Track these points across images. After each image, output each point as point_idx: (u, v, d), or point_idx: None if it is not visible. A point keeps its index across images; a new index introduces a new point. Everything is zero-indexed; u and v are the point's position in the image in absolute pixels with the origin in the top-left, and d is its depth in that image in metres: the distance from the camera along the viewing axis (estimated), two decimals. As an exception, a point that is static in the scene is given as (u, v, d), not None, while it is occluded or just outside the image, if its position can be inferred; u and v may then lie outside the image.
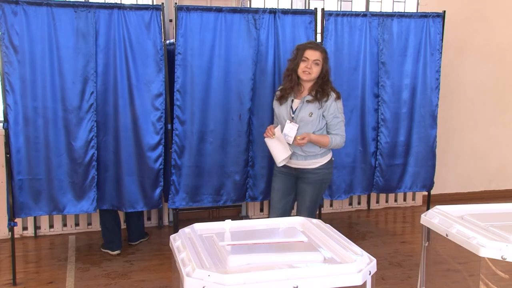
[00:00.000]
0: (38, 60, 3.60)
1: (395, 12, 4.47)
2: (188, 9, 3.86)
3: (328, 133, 3.38)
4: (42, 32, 3.58)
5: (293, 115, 3.35)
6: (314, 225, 1.80)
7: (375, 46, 4.32)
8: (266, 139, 3.34)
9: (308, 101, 3.31)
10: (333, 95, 3.35)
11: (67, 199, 3.77)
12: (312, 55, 3.29)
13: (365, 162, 4.45)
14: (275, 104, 3.48)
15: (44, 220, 4.57)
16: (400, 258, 4.10)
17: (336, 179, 4.33)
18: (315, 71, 3.29)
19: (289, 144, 3.33)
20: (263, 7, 4.55)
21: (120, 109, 3.83)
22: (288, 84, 3.37)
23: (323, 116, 3.33)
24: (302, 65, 3.30)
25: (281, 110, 3.41)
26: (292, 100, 3.39)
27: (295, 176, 3.44)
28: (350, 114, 4.31)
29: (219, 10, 3.91)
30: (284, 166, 3.40)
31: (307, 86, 3.37)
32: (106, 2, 4.25)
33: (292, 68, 3.35)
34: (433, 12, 4.44)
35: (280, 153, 3.30)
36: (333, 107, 3.33)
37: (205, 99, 3.96)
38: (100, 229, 4.47)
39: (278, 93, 3.47)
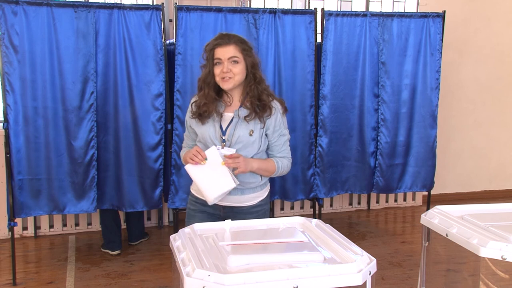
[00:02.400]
0: (38, 60, 3.60)
1: (395, 12, 4.47)
2: (188, 9, 3.86)
3: (269, 156, 2.49)
4: (42, 32, 3.58)
5: (223, 137, 2.38)
6: (314, 225, 1.80)
7: (375, 46, 4.32)
8: (190, 167, 2.33)
9: (246, 117, 2.38)
10: (277, 107, 2.43)
11: (67, 199, 3.77)
12: (223, 53, 2.34)
13: (363, 161, 4.45)
14: (192, 122, 2.46)
15: (44, 220, 4.57)
16: (400, 258, 4.10)
17: (330, 176, 4.33)
18: (237, 71, 2.35)
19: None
20: (263, 7, 4.55)
21: (120, 109, 3.83)
22: (203, 101, 2.39)
23: (265, 135, 2.42)
24: (217, 71, 2.36)
25: (204, 130, 2.40)
26: (221, 115, 2.41)
27: (223, 217, 2.33)
28: (349, 113, 4.32)
29: (219, 10, 3.91)
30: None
31: (235, 93, 2.43)
32: (106, 2, 4.25)
33: (204, 79, 2.39)
34: (433, 12, 4.44)
35: (217, 185, 2.29)
36: (279, 122, 2.42)
37: (205, 99, 3.95)
38: (100, 229, 4.48)
39: (194, 108, 2.44)
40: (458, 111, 5.55)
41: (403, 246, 4.40)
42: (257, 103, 2.37)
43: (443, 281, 2.18)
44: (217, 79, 2.36)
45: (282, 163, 2.47)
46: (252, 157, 2.38)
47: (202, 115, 2.40)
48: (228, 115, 2.41)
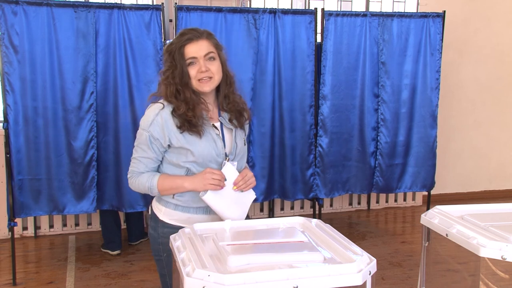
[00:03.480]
0: (38, 60, 3.60)
1: (395, 12, 4.47)
2: (188, 9, 3.86)
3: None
4: (42, 32, 3.58)
5: (225, 151, 2.02)
6: (314, 225, 1.80)
7: (375, 46, 4.32)
8: (211, 196, 1.94)
9: (231, 120, 2.06)
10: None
11: (67, 199, 3.77)
12: (197, 49, 1.97)
13: (364, 161, 4.45)
14: (176, 136, 1.96)
15: (44, 220, 4.57)
16: (400, 258, 4.10)
17: (331, 177, 4.33)
18: (215, 69, 1.99)
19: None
20: (263, 7, 4.55)
21: (120, 109, 3.83)
22: (187, 106, 1.94)
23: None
24: (192, 72, 1.96)
25: (203, 145, 1.97)
26: (213, 125, 2.03)
27: None
28: (349, 113, 4.32)
29: (219, 10, 3.91)
30: None
31: (210, 98, 2.05)
32: (106, 2, 4.25)
33: (181, 82, 1.95)
34: (433, 12, 4.44)
35: (240, 203, 2.03)
36: (247, 125, 2.15)
37: (205, 99, 3.95)
38: (100, 229, 4.48)
39: (178, 119, 1.95)
40: (458, 111, 5.55)
41: (403, 246, 4.40)
42: (238, 108, 2.06)
43: (443, 281, 2.18)
44: (193, 82, 1.96)
45: None
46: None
47: (191, 124, 1.94)
48: (217, 125, 2.04)
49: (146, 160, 2.00)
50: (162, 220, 2.05)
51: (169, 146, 1.98)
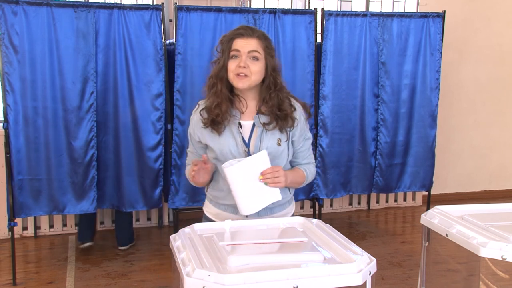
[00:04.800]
0: (38, 60, 3.60)
1: (395, 12, 4.47)
2: (188, 9, 3.86)
3: (293, 164, 2.17)
4: (42, 32, 3.58)
5: (247, 149, 2.02)
6: (314, 225, 1.80)
7: (375, 46, 4.32)
8: (232, 171, 1.92)
9: (266, 124, 2.02)
10: (300, 111, 2.11)
11: (67, 199, 3.77)
12: (244, 45, 1.98)
13: (365, 162, 4.45)
14: (203, 134, 2.05)
15: (44, 220, 4.57)
16: (400, 258, 4.10)
17: (332, 177, 4.33)
18: (255, 70, 1.98)
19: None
20: (263, 7, 4.55)
21: (120, 109, 3.83)
22: (215, 100, 2.00)
23: (291, 142, 2.11)
24: (232, 65, 1.98)
25: (222, 143, 2.01)
26: (239, 124, 2.04)
27: None
28: (349, 113, 4.32)
29: (219, 10, 3.91)
30: None
31: (250, 97, 2.06)
32: (106, 2, 4.25)
33: (217, 74, 2.01)
34: (433, 12, 4.44)
35: (260, 196, 1.95)
36: (303, 126, 2.11)
37: (205, 99, 3.95)
38: (100, 229, 4.49)
39: (202, 115, 2.05)
40: (458, 111, 5.55)
41: (403, 246, 4.40)
42: (278, 112, 2.01)
43: (443, 281, 2.18)
44: (231, 75, 1.98)
45: (310, 171, 2.16)
46: None
47: (215, 122, 1.99)
48: (246, 124, 2.04)
49: (190, 154, 2.19)
50: (204, 211, 2.21)
51: (200, 142, 2.08)
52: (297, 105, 2.10)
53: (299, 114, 2.09)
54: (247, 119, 2.05)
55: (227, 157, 1.99)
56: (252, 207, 1.95)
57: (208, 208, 2.18)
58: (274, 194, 1.96)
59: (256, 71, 1.98)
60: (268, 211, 2.06)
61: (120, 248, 4.23)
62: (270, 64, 2.02)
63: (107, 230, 4.66)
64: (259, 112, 2.04)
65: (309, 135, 2.17)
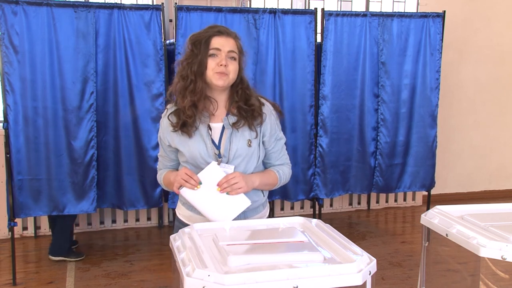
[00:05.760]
0: (38, 60, 3.60)
1: (395, 12, 4.47)
2: (188, 9, 3.86)
3: (266, 165, 2.15)
4: (42, 32, 3.58)
5: (217, 152, 1.99)
6: (314, 225, 1.80)
7: (375, 46, 4.32)
8: (187, 192, 1.93)
9: (235, 123, 1.99)
10: (270, 109, 2.08)
11: (67, 199, 3.78)
12: (224, 43, 1.97)
13: (364, 161, 4.45)
14: (172, 137, 2.02)
15: (44, 220, 4.56)
16: (400, 258, 4.10)
17: (332, 177, 4.33)
18: (233, 69, 1.97)
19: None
20: (263, 7, 4.55)
21: (120, 109, 3.84)
22: (191, 99, 1.94)
23: (262, 142, 2.07)
24: (212, 63, 1.94)
25: (192, 146, 1.98)
26: (209, 126, 2.01)
27: None
28: (349, 113, 4.32)
29: (219, 10, 3.91)
30: None
31: (221, 98, 2.03)
32: (106, 2, 4.25)
33: (196, 71, 1.94)
34: (433, 12, 4.44)
35: (228, 207, 1.93)
36: (274, 125, 2.07)
37: (205, 99, 3.95)
38: (100, 229, 4.48)
39: (171, 119, 2.01)
40: (458, 111, 5.55)
41: (403, 246, 4.40)
42: (245, 107, 1.99)
43: (443, 281, 2.18)
44: (210, 73, 1.94)
45: (283, 171, 2.12)
46: (252, 172, 2.03)
47: (186, 124, 1.96)
48: (216, 126, 2.01)
49: (162, 158, 2.15)
50: (176, 213, 2.18)
51: (170, 146, 2.05)
52: (266, 103, 2.08)
53: (268, 111, 2.06)
54: (217, 121, 2.02)
55: (198, 161, 1.98)
56: (221, 219, 1.90)
57: (180, 210, 2.14)
58: (241, 201, 1.93)
59: (234, 70, 1.98)
60: (241, 216, 1.98)
61: (49, 256, 3.99)
62: (242, 64, 2.03)
63: (107, 230, 4.66)
64: (228, 113, 2.02)
65: (281, 135, 2.14)
